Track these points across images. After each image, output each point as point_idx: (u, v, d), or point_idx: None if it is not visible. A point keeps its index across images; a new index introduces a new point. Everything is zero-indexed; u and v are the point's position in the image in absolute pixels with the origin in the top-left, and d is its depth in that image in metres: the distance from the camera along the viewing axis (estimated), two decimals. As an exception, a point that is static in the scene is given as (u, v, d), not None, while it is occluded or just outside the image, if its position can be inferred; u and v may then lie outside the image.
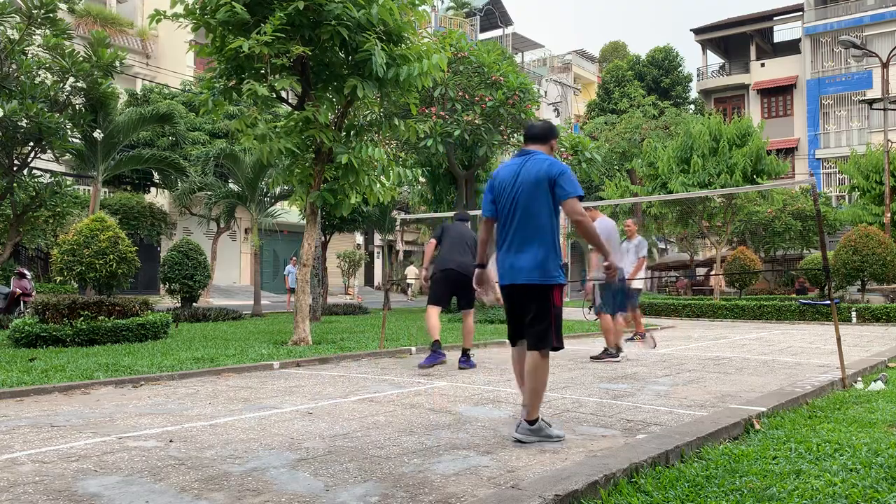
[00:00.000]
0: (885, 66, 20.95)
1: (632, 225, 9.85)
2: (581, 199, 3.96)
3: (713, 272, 29.43)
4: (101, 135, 13.77)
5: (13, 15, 11.73)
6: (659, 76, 41.42)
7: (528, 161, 4.08)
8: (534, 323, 3.94)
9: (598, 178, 24.49)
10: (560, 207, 3.99)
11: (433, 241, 7.82)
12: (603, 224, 8.10)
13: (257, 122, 8.99)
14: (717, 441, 3.89)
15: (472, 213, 14.35)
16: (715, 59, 42.25)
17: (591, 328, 13.29)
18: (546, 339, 3.92)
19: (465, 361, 7.52)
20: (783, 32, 41.29)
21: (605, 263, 4.22)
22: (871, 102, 24.25)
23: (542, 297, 3.94)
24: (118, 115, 14.54)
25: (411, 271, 33.97)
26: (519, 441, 3.90)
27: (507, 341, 4.26)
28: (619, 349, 8.19)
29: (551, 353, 4.01)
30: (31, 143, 12.61)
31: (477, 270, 4.28)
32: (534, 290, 3.94)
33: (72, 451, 3.74)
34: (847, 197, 31.24)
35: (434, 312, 7.75)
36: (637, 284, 9.42)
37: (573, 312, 15.75)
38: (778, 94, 38.38)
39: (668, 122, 30.30)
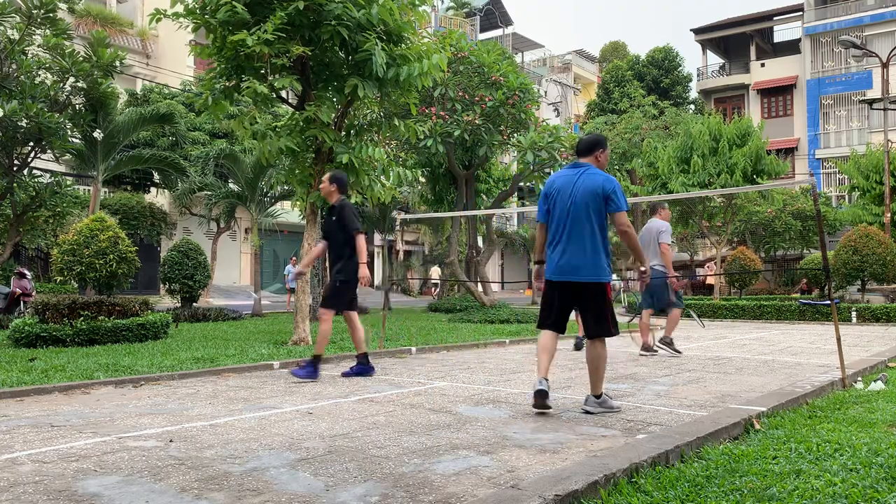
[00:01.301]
0: (885, 66, 20.95)
1: (662, 212, 9.01)
2: (627, 212, 4.70)
3: (709, 267, 29.42)
4: (101, 135, 13.77)
5: (13, 15, 11.73)
6: (659, 76, 41.42)
7: (584, 174, 4.71)
8: (593, 315, 4.66)
9: (598, 178, 24.40)
10: (609, 217, 4.69)
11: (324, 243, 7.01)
12: (654, 225, 8.65)
13: (257, 121, 8.99)
14: (717, 441, 3.89)
15: (471, 213, 14.38)
16: (715, 59, 42.26)
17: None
18: (605, 327, 4.65)
19: (358, 368, 6.81)
20: (783, 32, 41.30)
21: (642, 269, 4.92)
22: (871, 102, 24.25)
23: (599, 293, 4.64)
24: (118, 115, 14.54)
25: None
26: (587, 412, 4.70)
27: (539, 329, 4.86)
28: (649, 347, 8.50)
29: (608, 341, 4.80)
30: (31, 143, 12.62)
31: (536, 267, 5.02)
32: (591, 287, 4.64)
33: (72, 451, 3.74)
34: (847, 197, 31.24)
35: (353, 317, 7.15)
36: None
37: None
38: (778, 94, 38.39)
39: (668, 122, 30.28)
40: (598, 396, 4.75)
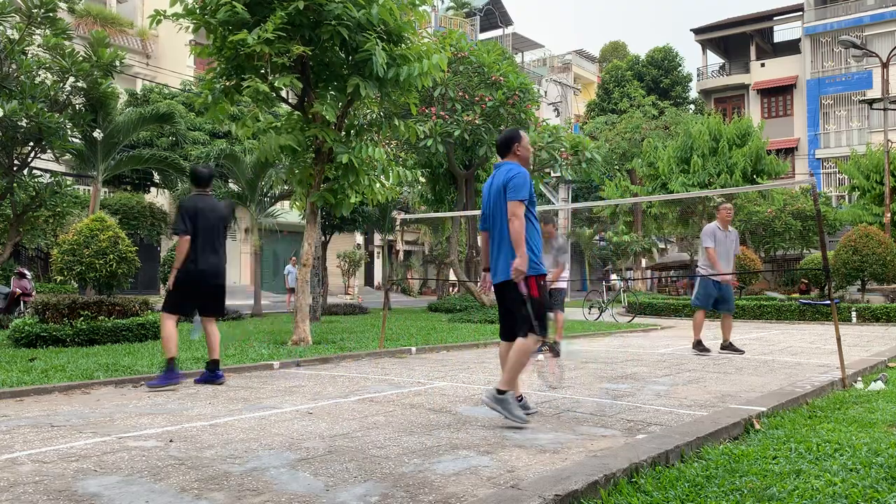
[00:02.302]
0: (885, 66, 20.94)
1: (731, 210, 9.16)
2: (523, 202, 4.42)
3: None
4: (101, 135, 13.76)
5: (13, 15, 11.72)
6: (658, 76, 41.42)
7: (496, 173, 4.67)
8: (515, 313, 4.45)
9: (599, 178, 24.49)
10: (532, 209, 4.54)
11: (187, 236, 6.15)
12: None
13: (259, 119, 9.00)
14: (717, 441, 3.89)
15: (471, 213, 14.39)
16: (715, 59, 42.26)
17: (590, 328, 13.29)
18: (525, 325, 4.39)
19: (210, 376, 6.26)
20: (783, 32, 41.30)
21: (512, 261, 4.41)
22: (871, 102, 24.24)
23: (518, 291, 4.41)
24: (118, 115, 14.53)
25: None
26: (483, 401, 4.49)
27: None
28: (701, 343, 8.82)
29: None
30: (31, 143, 12.61)
31: (483, 275, 4.88)
32: (510, 285, 4.43)
33: (72, 451, 3.74)
34: (847, 197, 31.24)
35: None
36: (561, 285, 8.89)
37: (573, 313, 15.76)
38: (778, 94, 38.39)
39: (668, 122, 30.30)
40: (501, 392, 4.41)
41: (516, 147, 4.71)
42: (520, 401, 5.00)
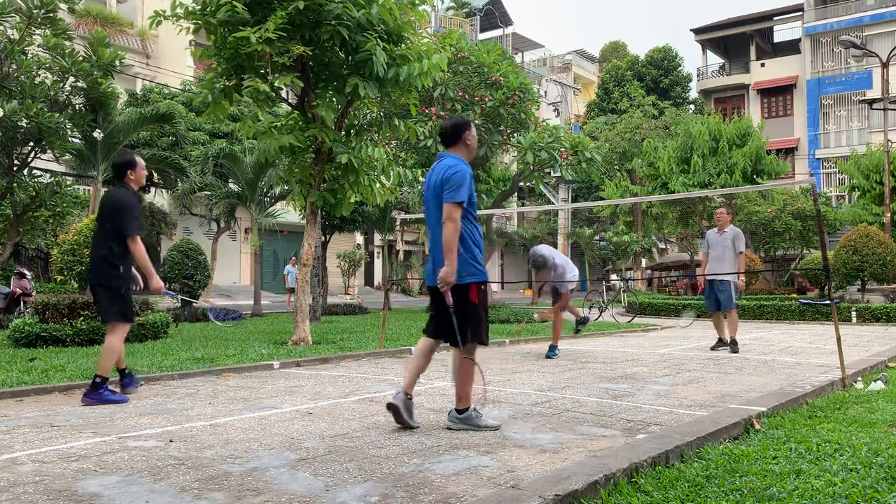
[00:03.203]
0: (885, 66, 20.94)
1: (723, 214, 9.37)
2: (460, 205, 4.04)
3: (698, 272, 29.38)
4: (101, 135, 13.76)
5: (13, 15, 11.72)
6: (658, 76, 41.44)
7: (436, 167, 4.25)
8: (453, 321, 4.09)
9: (599, 178, 24.48)
10: (471, 209, 4.19)
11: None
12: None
13: (260, 119, 9.00)
14: (717, 441, 3.89)
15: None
16: (715, 59, 42.28)
17: (590, 328, 13.28)
18: (463, 335, 4.10)
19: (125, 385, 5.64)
20: (783, 32, 41.33)
21: (441, 271, 4.06)
22: (871, 102, 24.25)
23: (458, 296, 4.09)
24: (118, 115, 14.53)
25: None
26: (448, 428, 4.23)
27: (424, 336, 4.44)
28: (734, 342, 9.06)
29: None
30: (31, 143, 12.61)
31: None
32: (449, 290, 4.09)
33: (72, 451, 3.74)
34: (847, 197, 31.24)
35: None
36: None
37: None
38: (778, 94, 38.41)
39: (668, 122, 30.30)
40: (460, 411, 4.21)
41: (466, 136, 4.30)
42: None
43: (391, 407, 4.19)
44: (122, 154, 6.02)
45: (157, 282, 5.65)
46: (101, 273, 5.41)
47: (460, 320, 4.09)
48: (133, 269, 5.69)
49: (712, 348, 9.32)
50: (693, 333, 12.60)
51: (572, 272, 8.76)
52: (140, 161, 5.65)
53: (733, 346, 9.01)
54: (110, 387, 5.34)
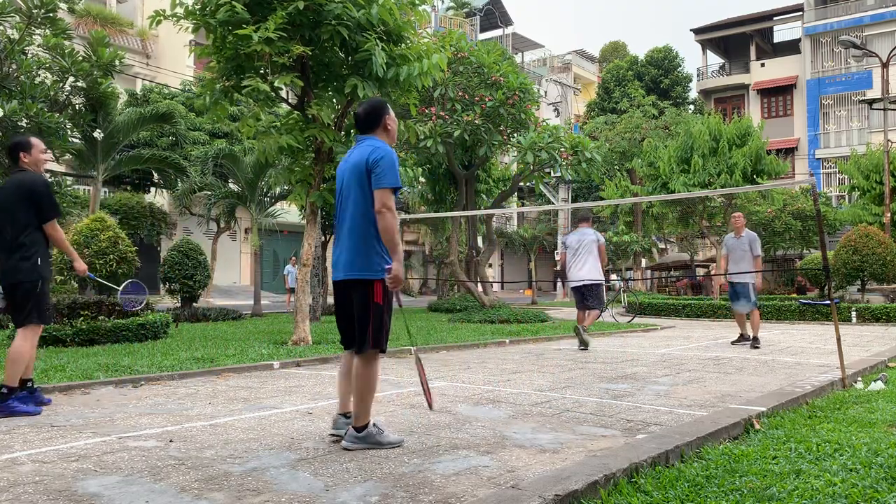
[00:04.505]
0: (885, 66, 20.94)
1: (740, 218, 10.03)
2: (396, 191, 3.68)
3: (713, 272, 29.39)
4: (101, 135, 13.76)
5: (13, 15, 11.72)
6: (658, 76, 41.42)
7: (355, 149, 3.85)
8: (357, 322, 3.73)
9: (599, 178, 24.48)
10: (395, 196, 3.78)
11: None
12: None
13: (260, 118, 9.00)
14: (717, 441, 3.89)
15: (471, 213, 14.39)
16: (715, 59, 42.28)
17: (590, 328, 13.27)
18: (364, 338, 3.70)
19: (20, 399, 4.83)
20: (783, 32, 41.33)
21: (388, 267, 3.71)
22: (871, 102, 24.24)
23: (362, 294, 3.70)
24: (118, 115, 14.54)
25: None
26: (346, 449, 3.71)
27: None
28: (756, 339, 9.56)
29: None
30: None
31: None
32: (353, 285, 3.73)
33: (72, 451, 3.74)
34: (847, 197, 31.24)
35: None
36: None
37: (572, 313, 15.74)
38: (778, 94, 38.40)
39: (668, 122, 30.30)
40: (359, 429, 3.72)
41: (386, 119, 3.88)
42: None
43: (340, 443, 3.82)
44: (14, 136, 5.60)
45: (80, 264, 5.47)
46: (15, 270, 4.81)
47: (361, 321, 3.71)
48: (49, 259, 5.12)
49: (733, 343, 10.05)
50: (693, 333, 12.61)
51: (573, 275, 9.06)
52: (37, 143, 5.08)
53: (755, 342, 9.52)
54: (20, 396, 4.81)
